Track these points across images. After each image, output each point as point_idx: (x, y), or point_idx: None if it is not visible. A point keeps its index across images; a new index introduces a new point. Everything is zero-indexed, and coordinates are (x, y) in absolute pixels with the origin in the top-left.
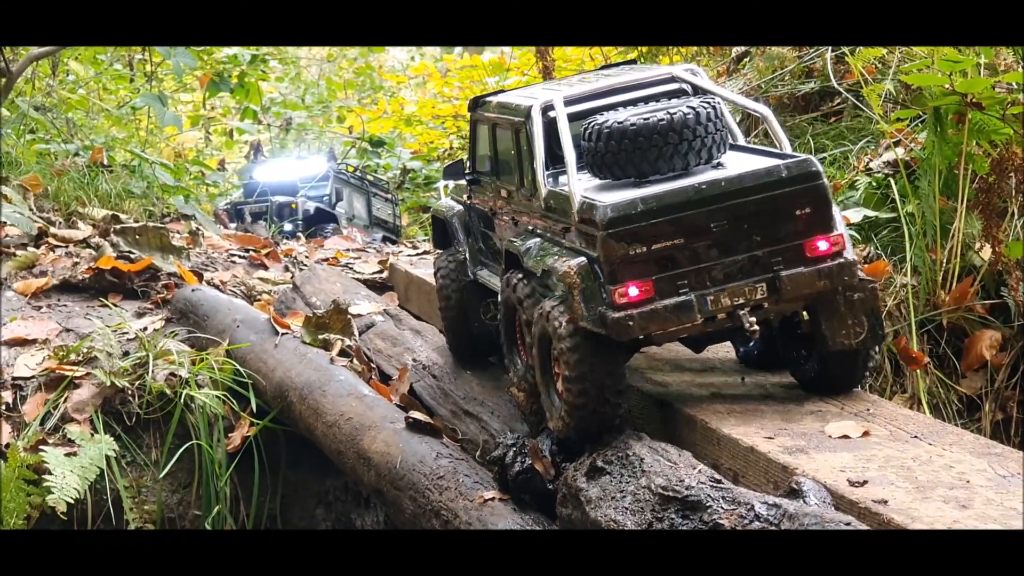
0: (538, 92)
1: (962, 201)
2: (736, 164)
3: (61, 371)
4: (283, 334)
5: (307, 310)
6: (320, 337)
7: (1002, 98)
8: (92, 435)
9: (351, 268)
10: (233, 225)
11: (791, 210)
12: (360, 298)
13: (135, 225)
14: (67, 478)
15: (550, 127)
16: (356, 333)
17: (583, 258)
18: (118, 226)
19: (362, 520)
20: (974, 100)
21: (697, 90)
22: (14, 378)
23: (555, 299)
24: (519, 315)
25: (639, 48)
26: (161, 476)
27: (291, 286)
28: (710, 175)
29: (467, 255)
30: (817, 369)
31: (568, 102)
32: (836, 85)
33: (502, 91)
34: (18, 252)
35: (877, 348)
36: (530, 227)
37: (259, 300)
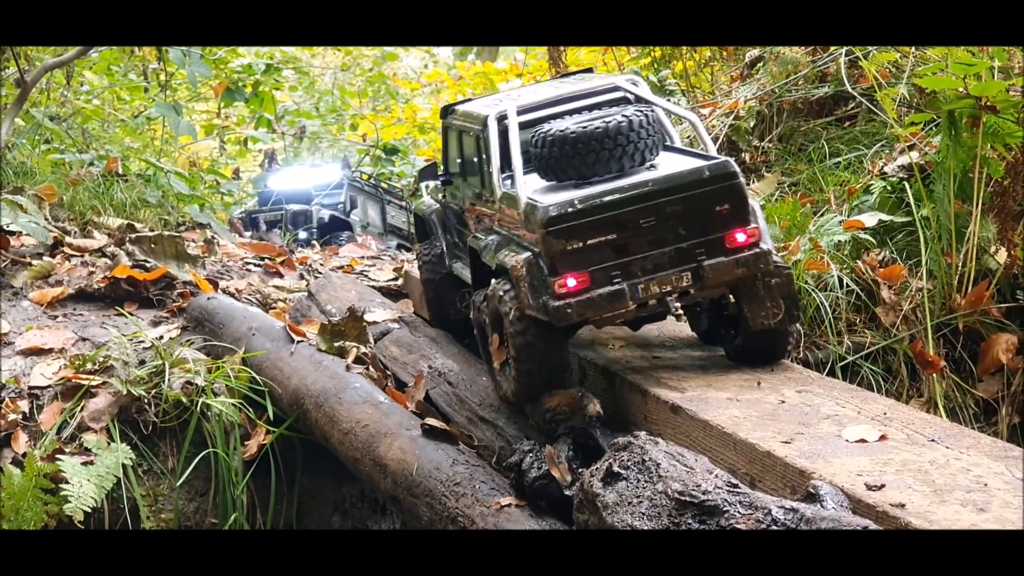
0: (497, 101)
1: (977, 205)
2: (666, 166)
3: (77, 380)
4: (298, 342)
5: (322, 318)
6: (335, 344)
7: (1016, 101)
8: (109, 444)
9: (366, 276)
10: (248, 233)
11: (712, 207)
12: (375, 305)
13: (150, 234)
14: (84, 487)
15: (505, 134)
16: (371, 340)
17: (529, 253)
18: (133, 235)
19: (379, 527)
20: (988, 103)
21: (638, 99)
22: (30, 387)
23: (507, 285)
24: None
25: (652, 50)
26: (178, 484)
27: (306, 294)
28: (641, 177)
29: (443, 249)
30: (744, 345)
31: (521, 111)
32: (850, 89)
33: (469, 100)
34: (34, 262)
35: (795, 330)
36: (490, 224)
37: (274, 308)
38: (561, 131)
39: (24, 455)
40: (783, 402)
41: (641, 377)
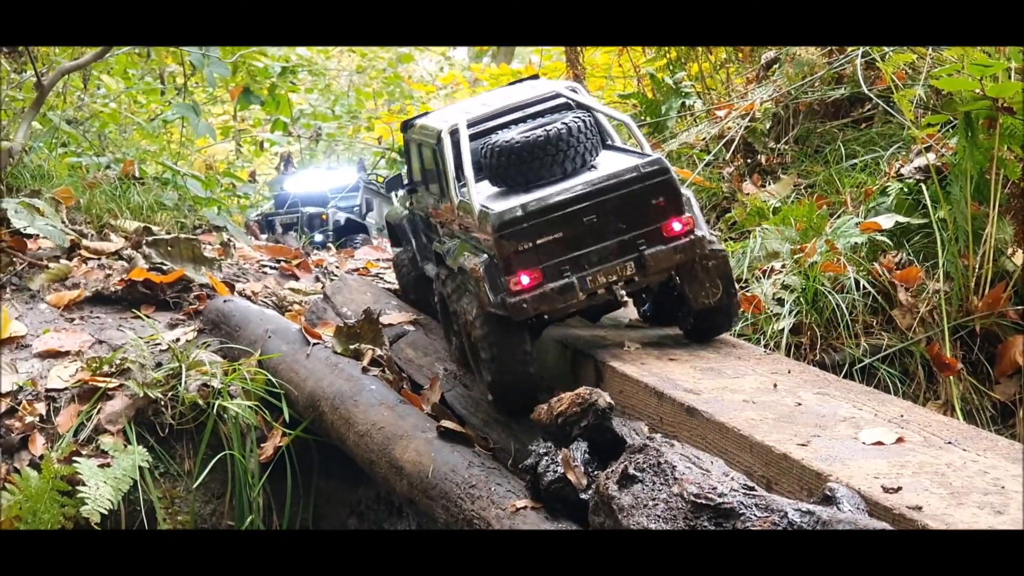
0: (450, 115)
1: (994, 206)
2: (605, 166)
3: (94, 383)
4: (314, 344)
5: (338, 320)
6: (351, 347)
7: None
8: (125, 446)
9: (381, 278)
10: (264, 236)
11: (648, 200)
12: (390, 308)
13: (167, 237)
14: (100, 489)
15: (458, 146)
16: (387, 343)
17: (486, 255)
18: (150, 238)
19: (394, 529)
20: (1005, 105)
21: (578, 105)
22: (47, 390)
23: (469, 295)
24: (449, 305)
25: (668, 52)
26: (194, 486)
27: (322, 296)
28: (582, 178)
29: (415, 252)
30: (692, 323)
31: (470, 124)
32: (867, 91)
33: (426, 113)
34: (51, 264)
35: (735, 306)
36: (451, 230)
37: (290, 310)
38: (507, 142)
39: (41, 457)
40: (800, 404)
41: (656, 379)
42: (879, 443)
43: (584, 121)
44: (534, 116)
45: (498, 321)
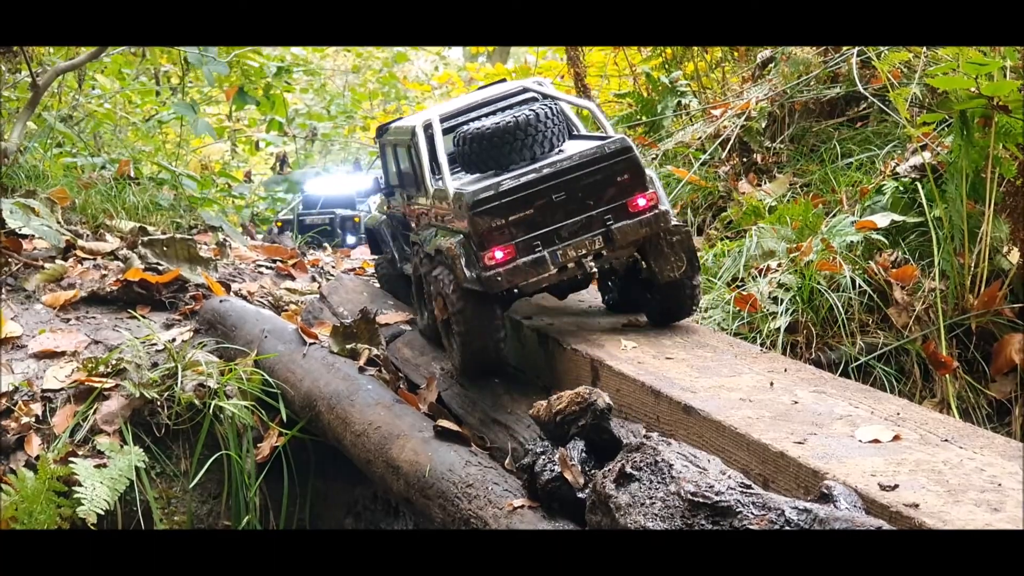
0: (422, 114)
1: (990, 205)
2: (572, 149)
3: (90, 383)
4: (311, 344)
5: (334, 320)
6: (348, 347)
7: None
8: (121, 446)
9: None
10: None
11: (613, 178)
12: (387, 307)
13: (163, 237)
14: (97, 489)
15: (432, 140)
16: (383, 342)
17: (460, 236)
18: (146, 238)
19: (391, 529)
20: (1000, 103)
21: (545, 97)
22: (43, 390)
23: (445, 274)
24: (424, 286)
25: (664, 51)
26: (191, 487)
27: (318, 296)
28: (550, 160)
29: (394, 255)
30: (657, 304)
31: (443, 119)
32: (862, 90)
33: (400, 118)
34: (46, 265)
35: (698, 282)
36: (426, 220)
37: (286, 310)
38: (478, 129)
39: (37, 458)
40: (796, 402)
41: (652, 378)
42: (875, 441)
43: (550, 108)
44: (503, 110)
45: (472, 295)
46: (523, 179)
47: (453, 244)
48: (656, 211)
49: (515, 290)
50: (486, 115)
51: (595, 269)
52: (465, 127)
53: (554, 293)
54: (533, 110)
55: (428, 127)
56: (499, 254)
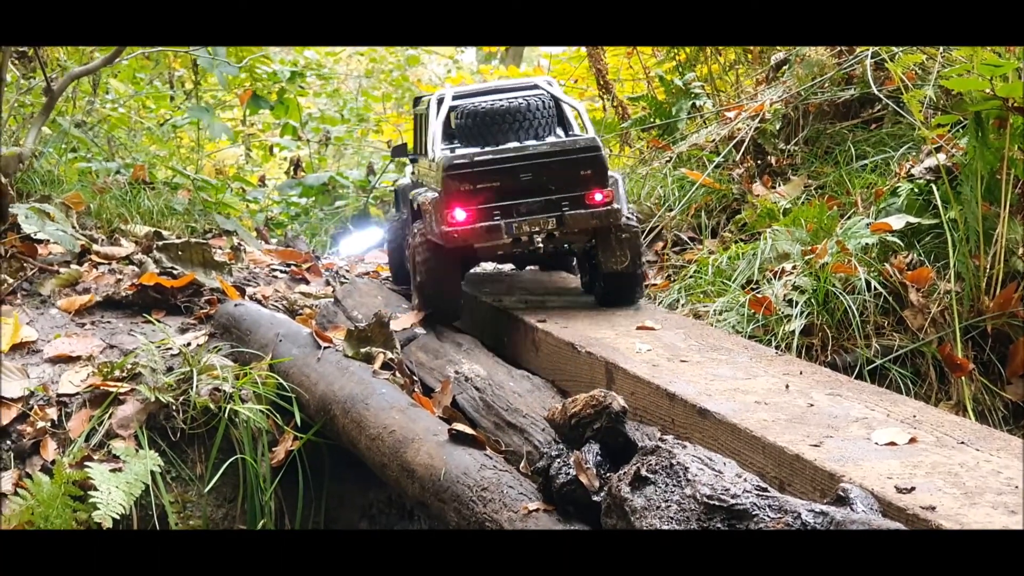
0: (443, 89)
1: (1005, 206)
2: (551, 139)
3: (105, 387)
4: (325, 348)
5: (349, 324)
6: (362, 350)
7: None
8: (137, 451)
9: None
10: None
11: (577, 170)
12: (401, 311)
13: (177, 241)
14: (112, 494)
15: (439, 110)
16: (398, 346)
17: (435, 193)
18: (160, 242)
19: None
20: (1016, 104)
21: (550, 93)
22: (59, 395)
23: (419, 223)
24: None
25: (678, 53)
26: (206, 491)
27: (332, 300)
28: (525, 143)
29: (406, 216)
30: (603, 289)
31: (456, 96)
32: (876, 91)
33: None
34: (61, 270)
35: (641, 275)
36: (427, 183)
37: (301, 314)
38: (475, 106)
39: (53, 462)
40: (812, 405)
41: (667, 381)
42: (892, 443)
43: (543, 102)
44: (511, 98)
45: (437, 248)
46: (497, 155)
47: (427, 200)
48: (609, 207)
49: (474, 252)
50: (494, 100)
51: (541, 245)
52: (467, 104)
53: (516, 264)
54: (526, 99)
55: (440, 100)
56: (461, 215)
